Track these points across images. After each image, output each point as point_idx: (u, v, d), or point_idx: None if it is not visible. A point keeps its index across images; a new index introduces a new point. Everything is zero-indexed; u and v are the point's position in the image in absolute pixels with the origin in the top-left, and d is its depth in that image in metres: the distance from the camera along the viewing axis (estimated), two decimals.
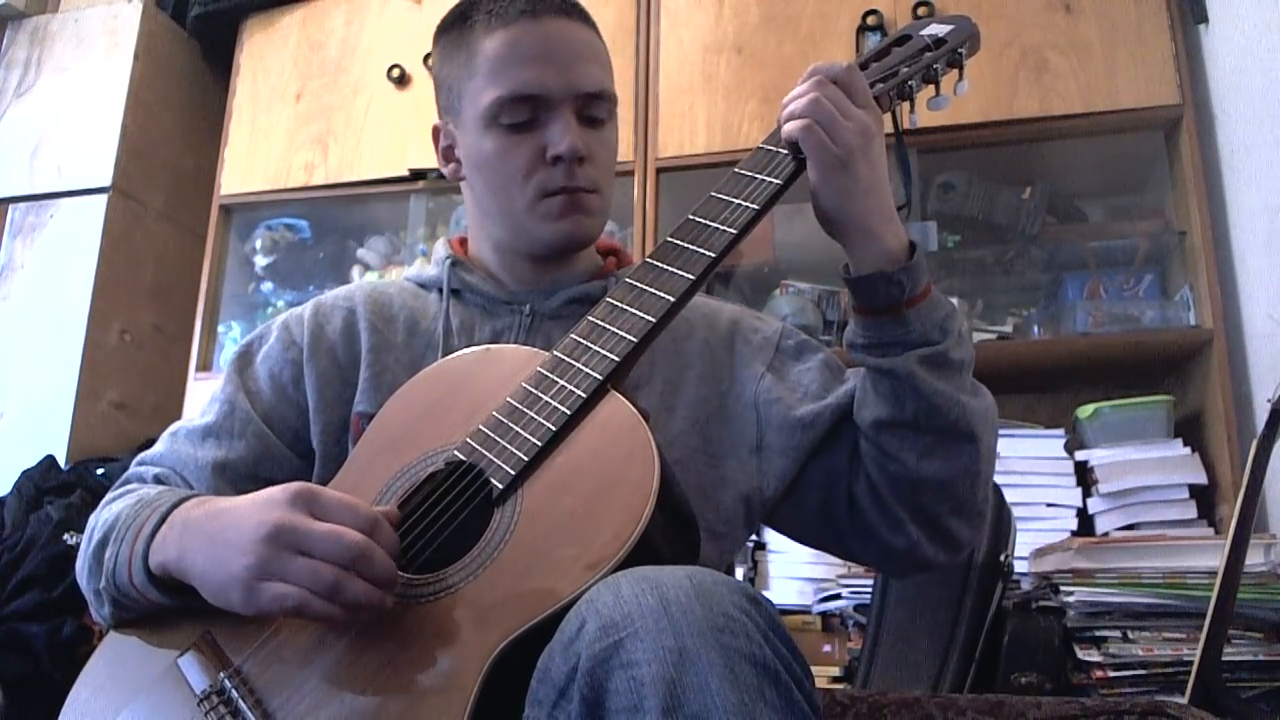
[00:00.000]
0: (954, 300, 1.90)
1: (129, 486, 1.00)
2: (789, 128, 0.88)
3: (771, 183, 0.89)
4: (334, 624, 0.74)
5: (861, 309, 0.91)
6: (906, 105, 0.98)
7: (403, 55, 2.34)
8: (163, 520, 0.85)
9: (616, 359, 0.82)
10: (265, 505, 0.76)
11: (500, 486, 0.79)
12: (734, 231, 0.87)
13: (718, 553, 0.98)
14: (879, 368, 0.90)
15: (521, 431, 0.81)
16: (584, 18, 1.02)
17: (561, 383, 0.82)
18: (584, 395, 0.80)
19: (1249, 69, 1.74)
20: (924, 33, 1.01)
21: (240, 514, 0.77)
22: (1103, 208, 2.13)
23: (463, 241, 1.12)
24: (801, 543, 1.09)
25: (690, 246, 0.88)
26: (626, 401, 0.80)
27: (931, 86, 0.99)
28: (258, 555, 0.73)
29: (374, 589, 0.72)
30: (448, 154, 1.06)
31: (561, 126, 0.96)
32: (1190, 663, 1.27)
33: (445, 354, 0.98)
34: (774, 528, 1.07)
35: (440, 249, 1.11)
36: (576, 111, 0.98)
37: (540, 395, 0.83)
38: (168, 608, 0.85)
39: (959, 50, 0.99)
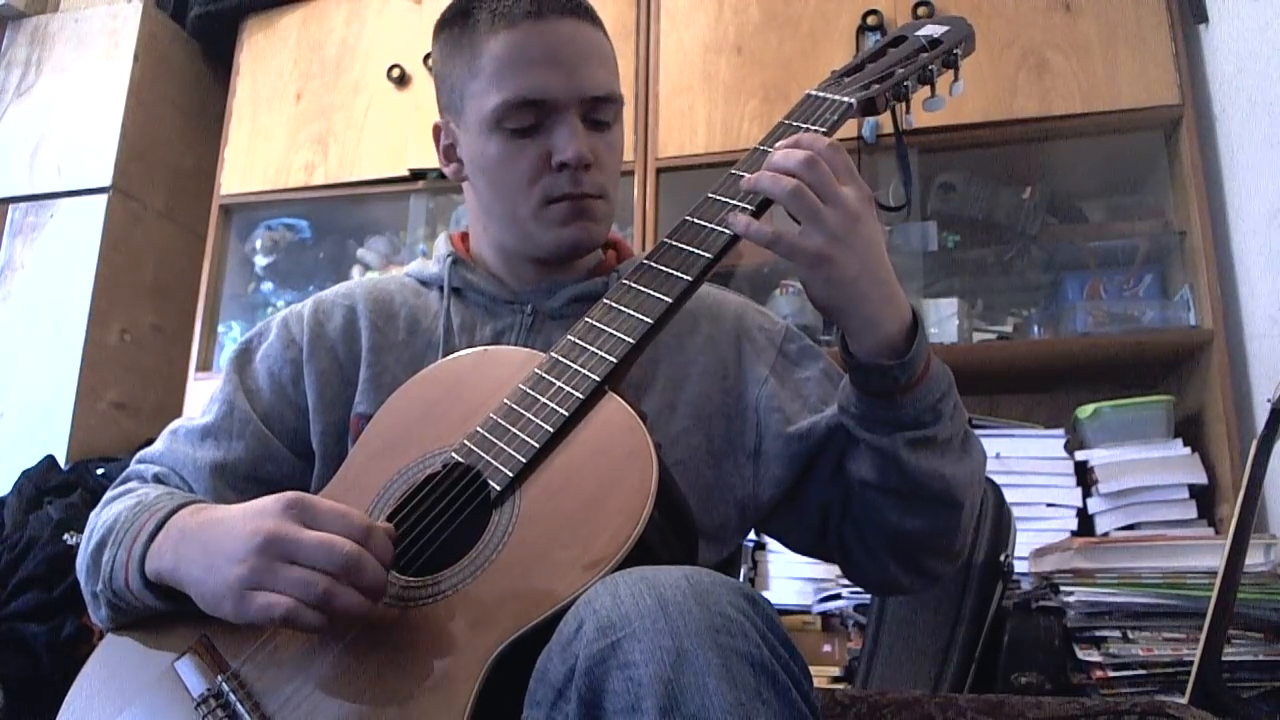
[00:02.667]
0: (955, 300, 1.93)
1: (128, 486, 1.00)
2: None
3: None
4: (322, 633, 0.74)
5: (855, 384, 0.89)
6: (903, 106, 0.98)
7: (403, 55, 2.34)
8: (159, 526, 0.85)
9: (614, 361, 0.82)
10: (258, 514, 0.76)
11: (498, 488, 0.79)
12: (731, 233, 0.86)
13: (714, 556, 0.98)
14: (866, 443, 0.89)
15: (519, 433, 0.81)
16: (590, 17, 0.99)
17: (559, 384, 0.82)
18: (581, 397, 0.80)
19: (1249, 69, 1.73)
20: (919, 34, 1.01)
21: (234, 523, 0.77)
22: (1103, 208, 2.13)
23: (464, 237, 1.11)
24: (792, 549, 1.08)
25: (687, 248, 0.88)
26: (624, 403, 0.80)
27: (927, 87, 0.99)
28: (249, 565, 0.73)
29: (364, 599, 0.72)
30: (449, 153, 1.04)
31: (567, 132, 0.94)
32: (1190, 663, 1.26)
33: (446, 354, 0.98)
34: (769, 534, 1.07)
35: (442, 245, 1.09)
36: (582, 115, 0.96)
37: (538, 397, 0.82)
38: (165, 611, 0.85)
39: (954, 51, 0.99)
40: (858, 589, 1.69)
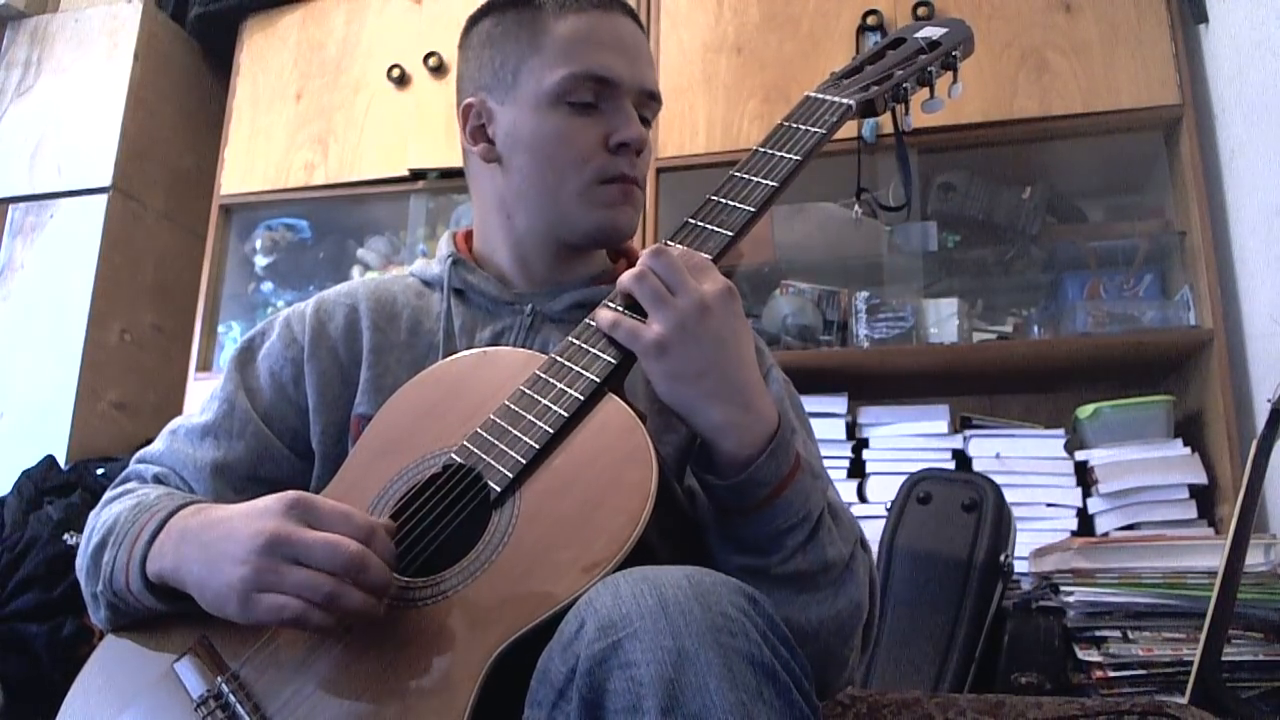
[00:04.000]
0: (955, 300, 1.93)
1: (128, 486, 1.00)
2: (598, 319, 0.83)
3: (768, 185, 0.89)
4: (328, 633, 0.74)
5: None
6: (902, 108, 0.98)
7: (403, 55, 2.34)
8: (160, 527, 0.85)
9: (614, 362, 0.82)
10: (260, 515, 0.76)
11: (498, 489, 0.79)
12: (730, 234, 0.86)
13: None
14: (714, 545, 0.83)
15: (519, 434, 0.81)
16: (639, 23, 1.03)
17: (559, 386, 0.82)
18: (581, 398, 0.80)
19: (1249, 69, 1.74)
20: (919, 36, 1.01)
21: (235, 523, 0.77)
22: (1103, 208, 2.13)
23: (467, 236, 1.10)
24: None
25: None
26: (624, 404, 0.80)
27: (926, 89, 0.99)
28: (253, 566, 0.73)
29: (370, 598, 0.72)
30: (478, 134, 1.03)
31: (627, 115, 0.97)
32: (1190, 663, 1.27)
33: (446, 355, 0.98)
34: None
35: (444, 246, 1.09)
36: (635, 106, 0.98)
37: (537, 398, 0.82)
38: (165, 612, 0.85)
39: (953, 53, 0.99)
40: None
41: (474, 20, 1.06)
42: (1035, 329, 1.96)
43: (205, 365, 2.34)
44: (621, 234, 1.01)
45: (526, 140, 0.98)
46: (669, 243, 0.87)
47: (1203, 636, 1.25)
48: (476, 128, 1.03)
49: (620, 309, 0.84)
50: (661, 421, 0.95)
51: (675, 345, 0.78)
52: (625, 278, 0.82)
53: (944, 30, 1.01)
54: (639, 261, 0.82)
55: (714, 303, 0.79)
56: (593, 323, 0.86)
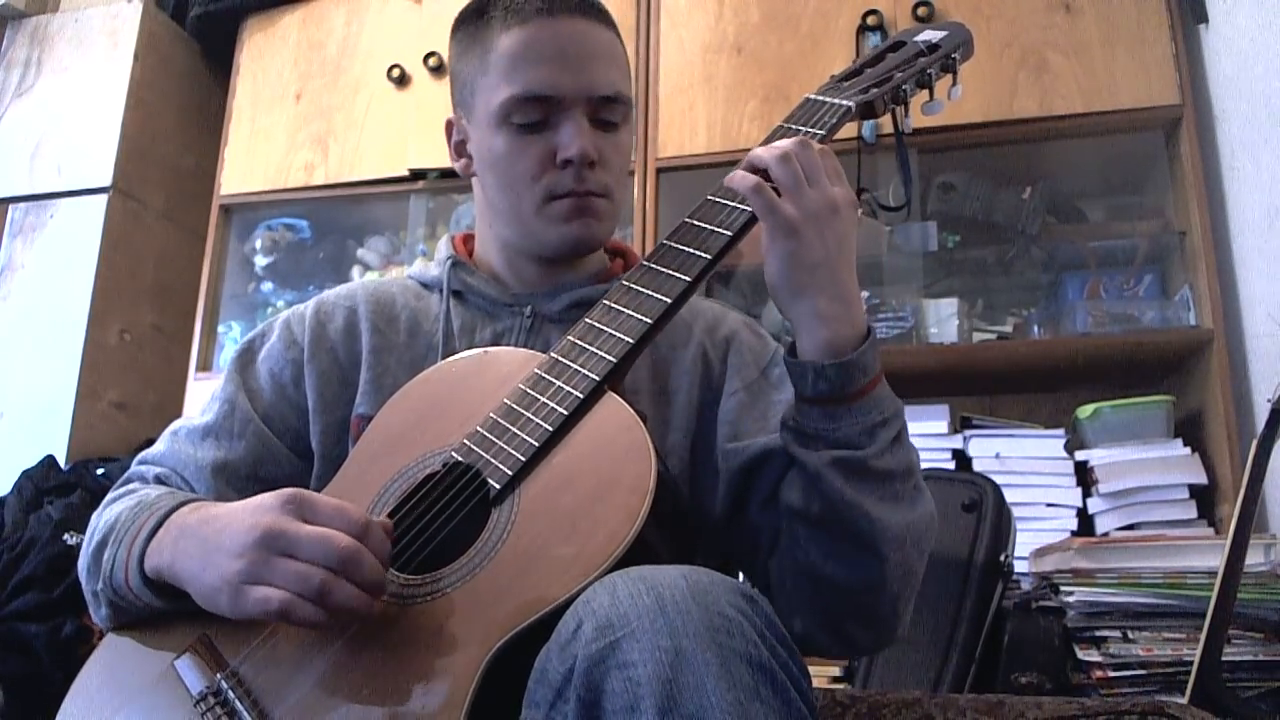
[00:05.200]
0: (955, 300, 1.93)
1: (130, 487, 1.00)
2: (736, 181, 0.84)
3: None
4: (320, 628, 0.74)
5: (795, 389, 0.86)
6: (901, 110, 0.98)
7: (403, 55, 2.34)
8: (159, 524, 0.85)
9: (613, 360, 0.82)
10: (257, 510, 0.76)
11: (497, 487, 0.79)
12: (729, 234, 0.86)
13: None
14: (796, 460, 0.85)
15: (519, 433, 0.81)
16: (602, 18, 1.00)
17: (558, 384, 0.82)
18: (581, 396, 0.80)
19: (1249, 69, 1.73)
20: (918, 38, 1.01)
21: (232, 519, 0.77)
22: (1103, 208, 2.13)
23: (466, 239, 1.12)
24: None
25: (686, 249, 0.88)
26: (623, 402, 0.80)
27: (926, 91, 0.99)
28: (248, 559, 0.73)
29: (362, 594, 0.72)
30: (460, 149, 1.05)
31: (573, 129, 0.95)
32: (1190, 663, 1.27)
33: (446, 356, 0.98)
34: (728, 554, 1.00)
35: (443, 248, 1.10)
36: (589, 114, 0.96)
37: (537, 397, 0.83)
38: (165, 610, 0.85)
39: (952, 56, 0.99)
40: None
41: (450, 36, 1.07)
42: (1035, 329, 1.96)
43: (205, 365, 2.35)
44: (588, 246, 1.01)
45: (487, 160, 1.00)
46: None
47: (1203, 636, 1.25)
48: (458, 143, 1.05)
49: (747, 211, 0.86)
50: (665, 414, 0.96)
51: (805, 230, 0.81)
52: (766, 154, 0.84)
53: (943, 33, 1.01)
54: (779, 145, 0.83)
55: (844, 206, 0.83)
56: (714, 197, 0.88)
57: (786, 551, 0.88)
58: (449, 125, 1.06)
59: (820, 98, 0.96)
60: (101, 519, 0.94)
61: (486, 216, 1.06)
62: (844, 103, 0.94)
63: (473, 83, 1.00)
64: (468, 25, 1.02)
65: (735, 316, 1.07)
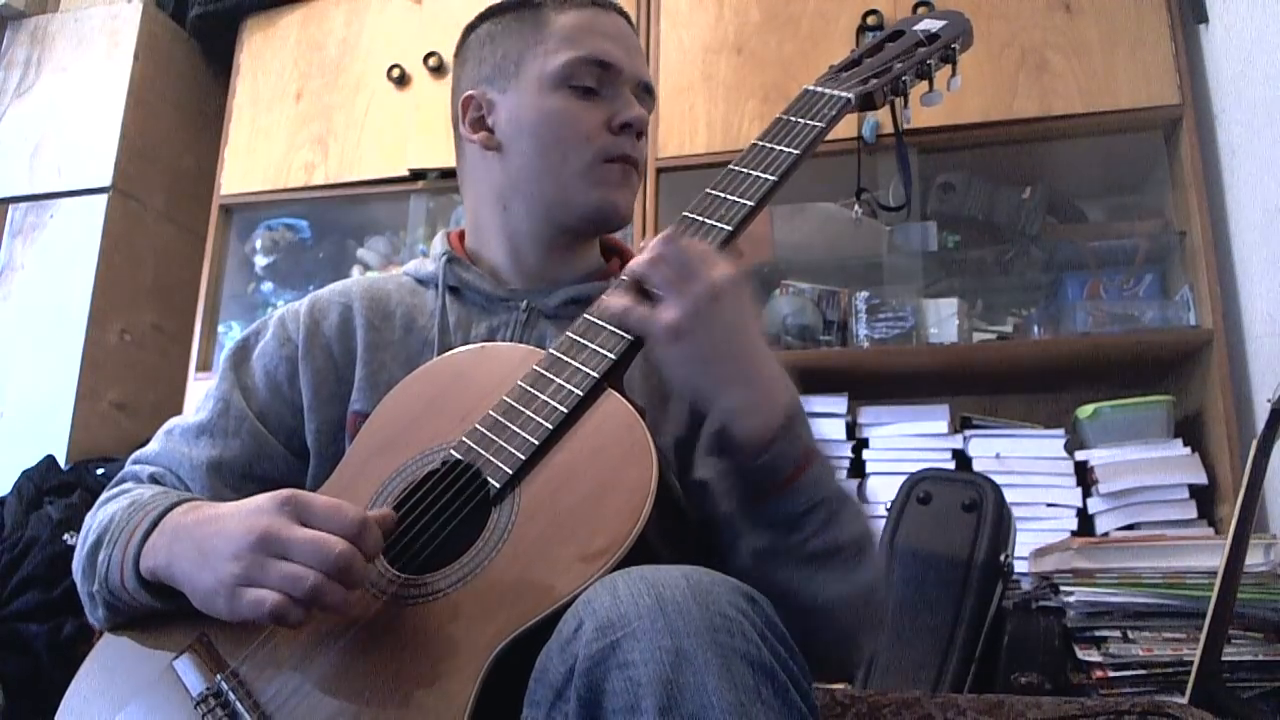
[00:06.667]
0: (955, 300, 1.92)
1: (124, 486, 1.00)
2: (607, 305, 0.83)
3: (766, 179, 0.89)
4: (314, 629, 0.74)
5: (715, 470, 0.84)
6: (901, 101, 0.98)
7: (403, 55, 2.34)
8: (154, 525, 0.85)
9: (614, 358, 0.82)
10: (253, 512, 0.76)
11: (497, 486, 0.79)
12: (729, 229, 0.86)
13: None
14: (727, 531, 0.84)
15: (519, 430, 0.81)
16: (634, 26, 1.08)
17: (559, 381, 0.82)
18: (581, 394, 0.80)
19: (1249, 69, 1.73)
20: (917, 28, 1.01)
21: (228, 521, 0.77)
22: (1103, 208, 2.13)
23: (461, 235, 1.11)
24: None
25: None
26: (624, 400, 0.80)
27: (925, 82, 0.99)
28: (244, 562, 0.73)
29: (355, 596, 0.72)
30: (478, 124, 1.05)
31: (627, 98, 1.01)
32: (1190, 663, 1.26)
33: (441, 352, 0.98)
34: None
35: (438, 244, 1.10)
36: (634, 97, 1.02)
37: (537, 394, 0.82)
38: (162, 610, 0.85)
39: (952, 45, 0.99)
40: None
41: (471, 27, 1.10)
42: (1035, 329, 1.96)
43: (205, 365, 2.34)
44: (620, 215, 1.02)
45: (530, 123, 1.01)
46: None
47: (1203, 636, 1.25)
48: (476, 118, 1.05)
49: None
50: (659, 415, 0.95)
51: (689, 330, 0.78)
52: (636, 263, 0.82)
53: (943, 23, 1.01)
54: (649, 247, 0.82)
55: (726, 288, 0.79)
56: (592, 316, 0.86)
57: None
58: (468, 100, 1.05)
59: (819, 90, 0.96)
60: (96, 519, 0.94)
61: (502, 197, 1.04)
62: (843, 94, 0.94)
63: (519, 53, 1.03)
64: (514, 10, 1.06)
65: None
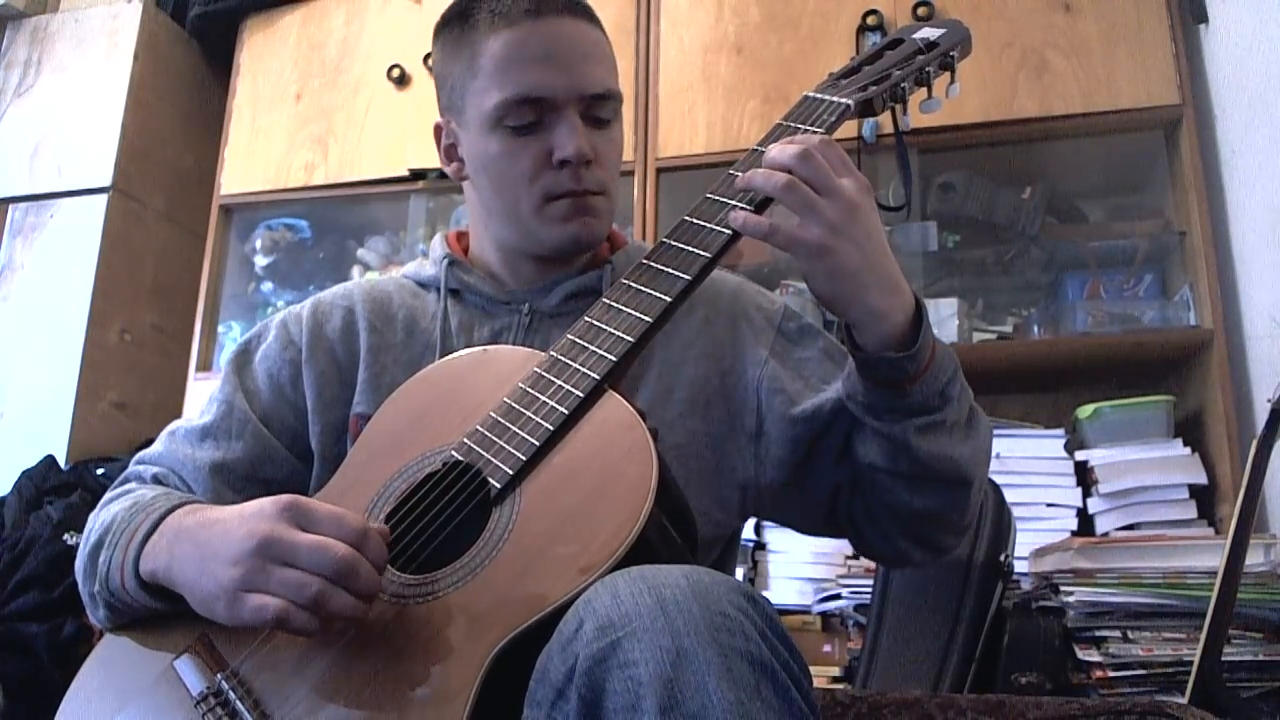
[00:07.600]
0: (955, 300, 1.92)
1: (127, 487, 1.00)
2: (758, 180, 0.83)
3: None
4: (315, 635, 0.74)
5: (862, 375, 0.88)
6: (900, 107, 0.98)
7: (403, 55, 2.34)
8: (155, 527, 0.85)
9: (614, 359, 0.82)
10: (254, 517, 0.76)
11: (498, 486, 0.79)
12: (729, 232, 0.86)
13: (713, 537, 0.99)
14: (875, 430, 0.90)
15: (519, 432, 0.81)
16: (588, 15, 1.00)
17: (559, 383, 0.82)
18: (581, 395, 0.80)
19: (1249, 69, 1.74)
20: (916, 36, 1.01)
21: (229, 525, 0.77)
22: (1103, 208, 2.13)
23: (460, 236, 1.11)
24: (800, 531, 1.10)
25: (686, 247, 0.88)
26: (624, 401, 0.80)
27: (924, 89, 0.99)
28: (245, 567, 0.73)
29: (359, 602, 0.72)
30: (450, 153, 1.05)
31: (567, 129, 0.95)
32: (1190, 663, 1.26)
33: (444, 355, 0.98)
34: (774, 518, 1.07)
35: (438, 247, 1.09)
36: (582, 113, 0.96)
37: (538, 396, 0.82)
38: (163, 611, 0.85)
39: (951, 53, 0.99)
40: (858, 589, 1.70)
41: (433, 39, 1.06)
42: (1035, 329, 1.96)
43: (205, 365, 2.35)
44: (587, 244, 1.01)
45: (481, 163, 1.00)
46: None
47: (1203, 636, 1.25)
48: (448, 146, 1.05)
49: (749, 207, 0.86)
50: (686, 407, 0.97)
51: (834, 246, 0.81)
52: (763, 179, 0.83)
53: (942, 31, 1.01)
54: (779, 160, 0.82)
55: (862, 201, 0.83)
56: (714, 208, 0.87)
57: (871, 494, 0.94)
58: (437, 130, 1.05)
59: (819, 95, 0.96)
60: (98, 520, 0.94)
61: (482, 219, 1.05)
62: (843, 101, 0.94)
63: (461, 87, 0.99)
64: (451, 28, 1.01)
65: (731, 279, 1.08)
